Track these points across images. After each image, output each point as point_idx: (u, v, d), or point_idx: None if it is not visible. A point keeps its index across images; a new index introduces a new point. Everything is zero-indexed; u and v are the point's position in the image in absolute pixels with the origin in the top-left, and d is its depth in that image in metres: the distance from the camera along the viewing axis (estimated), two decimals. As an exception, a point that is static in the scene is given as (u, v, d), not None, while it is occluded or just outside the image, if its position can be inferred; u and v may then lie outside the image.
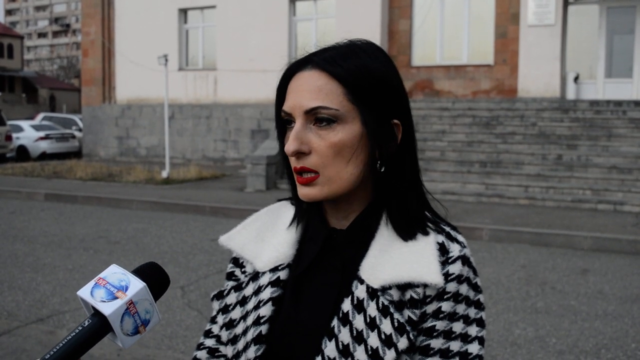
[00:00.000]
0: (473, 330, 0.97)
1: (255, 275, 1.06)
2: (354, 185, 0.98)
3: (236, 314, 1.05)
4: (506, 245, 7.57)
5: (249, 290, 1.06)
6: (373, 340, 0.93)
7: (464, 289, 0.96)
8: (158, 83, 15.86)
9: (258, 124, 16.34)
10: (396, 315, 0.93)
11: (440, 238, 0.99)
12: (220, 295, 1.10)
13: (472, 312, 0.97)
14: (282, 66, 1.03)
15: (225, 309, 1.07)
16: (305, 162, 0.96)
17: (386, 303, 0.94)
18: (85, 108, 19.42)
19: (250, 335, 1.01)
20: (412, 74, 15.24)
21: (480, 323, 0.98)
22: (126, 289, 0.82)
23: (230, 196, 10.81)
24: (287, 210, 1.12)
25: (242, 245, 1.10)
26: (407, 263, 0.96)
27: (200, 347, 1.11)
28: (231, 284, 1.10)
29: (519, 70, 14.06)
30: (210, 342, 1.10)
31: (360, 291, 0.96)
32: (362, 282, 0.97)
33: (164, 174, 13.04)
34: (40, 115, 26.25)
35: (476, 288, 0.99)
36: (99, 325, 0.81)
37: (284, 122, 1.01)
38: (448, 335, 0.95)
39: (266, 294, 1.03)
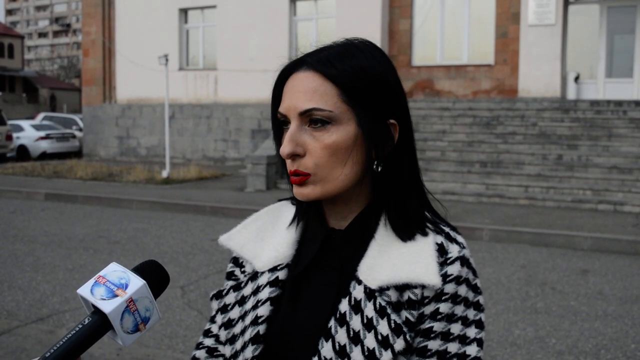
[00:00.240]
0: (472, 331, 0.96)
1: (254, 275, 1.06)
2: (349, 185, 0.97)
3: (235, 313, 1.05)
4: (506, 245, 7.57)
5: (247, 290, 1.06)
6: (370, 341, 0.93)
7: (462, 290, 0.95)
8: (158, 83, 15.87)
9: (258, 124, 16.34)
10: (393, 316, 0.93)
11: (439, 239, 0.98)
12: (219, 295, 1.09)
13: (471, 314, 0.97)
14: (278, 66, 1.02)
15: (224, 309, 1.07)
16: (300, 164, 0.96)
17: (383, 304, 0.94)
18: (85, 108, 19.43)
19: (248, 335, 1.01)
20: (413, 74, 15.24)
21: (480, 324, 0.97)
22: (126, 287, 0.82)
23: (231, 196, 10.82)
24: (287, 210, 1.12)
25: (242, 245, 1.10)
26: (405, 264, 0.95)
27: (199, 346, 1.11)
28: (230, 283, 1.10)
29: (520, 70, 14.06)
30: (209, 342, 1.10)
31: (357, 292, 0.96)
32: (359, 282, 0.96)
33: (164, 173, 13.04)
34: (41, 115, 26.25)
35: (476, 289, 0.98)
36: (99, 323, 0.81)
37: (280, 124, 1.01)
38: (446, 336, 0.94)
39: (264, 293, 1.03)
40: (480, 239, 7.89)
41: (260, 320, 1.01)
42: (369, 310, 0.94)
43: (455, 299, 0.95)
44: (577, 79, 14.28)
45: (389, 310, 0.93)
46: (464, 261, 0.96)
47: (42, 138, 20.48)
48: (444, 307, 0.94)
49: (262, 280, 1.04)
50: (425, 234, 0.99)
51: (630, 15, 14.21)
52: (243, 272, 1.10)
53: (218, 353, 1.08)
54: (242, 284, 1.07)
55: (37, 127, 21.21)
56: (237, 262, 1.12)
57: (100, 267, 5.97)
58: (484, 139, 12.39)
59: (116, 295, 0.81)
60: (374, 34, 14.66)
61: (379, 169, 0.99)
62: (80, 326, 0.81)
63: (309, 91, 0.94)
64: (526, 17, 13.84)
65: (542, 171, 10.95)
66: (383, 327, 0.93)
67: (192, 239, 7.76)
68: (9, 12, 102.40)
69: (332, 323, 0.96)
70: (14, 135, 20.04)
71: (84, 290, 0.82)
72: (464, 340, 0.95)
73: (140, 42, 17.91)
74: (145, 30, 17.90)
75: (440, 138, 12.68)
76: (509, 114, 13.08)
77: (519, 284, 5.79)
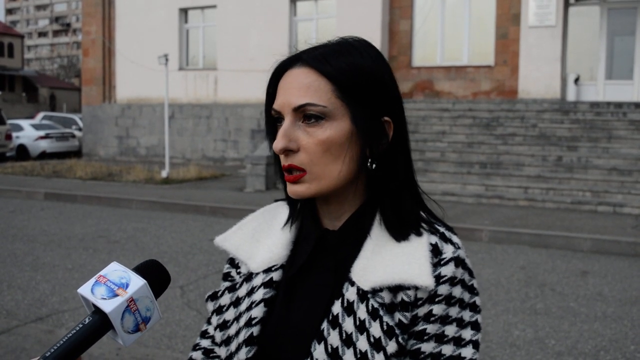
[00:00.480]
0: (467, 333, 0.95)
1: (249, 276, 1.05)
2: (343, 183, 0.97)
3: (230, 315, 1.05)
4: (506, 246, 7.57)
5: (242, 291, 1.05)
6: (362, 343, 0.92)
7: (457, 291, 0.94)
8: (158, 83, 15.86)
9: (258, 124, 16.33)
10: (386, 318, 0.92)
11: (434, 239, 0.97)
12: (214, 297, 1.09)
13: (466, 315, 0.95)
14: (273, 64, 1.02)
15: (219, 310, 1.07)
16: (294, 159, 0.95)
17: (376, 305, 0.92)
18: (85, 107, 19.43)
19: (242, 336, 1.00)
20: (413, 75, 15.25)
21: (475, 326, 0.96)
22: (127, 287, 0.82)
23: (230, 196, 10.81)
24: (283, 211, 1.11)
25: (237, 246, 1.09)
26: (398, 265, 0.94)
27: (195, 347, 1.10)
28: (226, 284, 1.09)
29: (520, 72, 14.06)
30: (205, 343, 1.10)
31: (350, 293, 0.95)
32: (352, 284, 0.95)
33: (164, 173, 13.04)
34: (40, 115, 26.26)
35: (472, 290, 0.96)
36: (100, 323, 0.81)
37: (274, 121, 1.01)
38: (440, 338, 0.93)
39: (259, 295, 1.02)
40: (480, 240, 7.89)
41: (254, 322, 1.00)
42: (362, 312, 0.93)
43: (449, 300, 0.93)
44: (577, 80, 14.28)
45: (381, 312, 0.92)
46: (458, 262, 0.95)
47: (42, 137, 20.47)
48: (438, 309, 0.93)
49: (257, 281, 1.04)
50: (419, 234, 0.97)
51: (630, 16, 14.21)
52: (239, 273, 1.10)
53: (214, 354, 1.08)
54: (237, 285, 1.07)
55: (37, 127, 21.21)
56: (233, 262, 1.12)
57: (99, 266, 5.96)
58: (483, 140, 12.39)
59: (117, 295, 0.81)
60: (374, 34, 14.67)
61: (373, 167, 0.98)
62: (81, 326, 0.81)
63: (303, 87, 0.94)
64: (526, 18, 13.84)
65: (542, 172, 10.95)
66: (375, 330, 0.91)
67: (192, 238, 7.75)
68: (9, 11, 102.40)
69: (324, 325, 0.95)
70: (14, 134, 20.03)
71: (84, 290, 0.82)
72: (459, 342, 0.94)
73: (140, 41, 17.91)
74: (145, 29, 17.90)
75: (440, 139, 12.68)
76: (508, 115, 13.08)
77: (518, 285, 5.79)
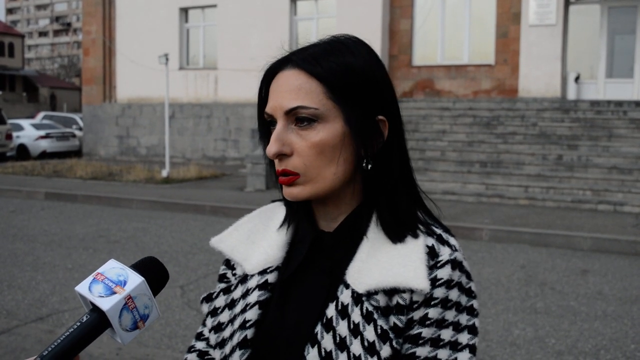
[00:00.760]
0: (464, 337, 0.92)
1: (244, 278, 1.04)
2: (339, 185, 0.95)
3: (224, 317, 1.03)
4: (506, 245, 7.56)
5: (237, 293, 1.04)
6: (356, 347, 0.90)
7: (454, 294, 0.92)
8: (159, 82, 15.87)
9: (258, 124, 16.32)
10: (380, 322, 0.90)
11: (431, 241, 0.95)
12: (209, 298, 1.08)
13: (463, 319, 0.93)
14: (263, 66, 1.00)
15: (214, 312, 1.05)
16: (288, 164, 0.94)
17: (370, 309, 0.91)
18: (85, 107, 19.43)
19: (236, 339, 0.99)
20: (413, 74, 15.24)
21: (472, 330, 0.94)
22: (124, 284, 0.81)
23: (230, 195, 10.81)
24: (280, 212, 1.10)
25: (233, 248, 1.08)
26: (393, 267, 0.92)
27: (190, 349, 1.10)
28: (222, 286, 1.08)
29: (520, 70, 14.05)
30: (200, 345, 1.09)
31: (345, 296, 0.93)
32: (347, 286, 0.94)
33: (164, 173, 13.04)
34: (41, 114, 26.26)
35: (469, 293, 0.94)
36: (98, 321, 0.80)
37: (267, 124, 0.99)
38: (436, 343, 0.91)
39: (253, 297, 1.01)
40: (480, 239, 7.89)
41: (248, 325, 0.99)
42: (356, 315, 0.91)
43: (445, 303, 0.92)
44: (577, 79, 14.27)
45: (375, 316, 0.91)
46: (455, 264, 0.93)
47: (42, 137, 20.46)
48: (434, 313, 0.91)
49: (252, 283, 1.02)
50: (416, 236, 0.96)
51: (630, 15, 14.20)
52: (234, 274, 1.08)
53: (209, 357, 1.07)
54: (232, 287, 1.05)
55: (37, 126, 21.20)
56: (229, 264, 1.11)
57: (100, 266, 5.94)
58: (484, 139, 12.38)
59: (114, 293, 0.80)
60: (375, 33, 14.68)
61: (369, 167, 0.96)
62: (78, 324, 0.80)
63: (294, 89, 0.93)
64: (527, 17, 13.84)
65: (542, 171, 10.95)
66: (369, 333, 0.90)
67: (192, 238, 7.75)
68: (10, 11, 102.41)
69: (318, 328, 0.94)
70: (14, 134, 20.03)
71: (82, 288, 0.82)
72: (455, 346, 0.92)
73: (140, 41, 17.90)
74: (145, 29, 17.90)
75: (440, 138, 12.68)
76: (509, 114, 13.08)
77: (518, 284, 5.79)
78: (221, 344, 1.02)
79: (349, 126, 0.94)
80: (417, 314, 0.91)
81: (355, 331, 0.91)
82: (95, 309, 0.81)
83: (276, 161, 0.96)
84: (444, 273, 0.92)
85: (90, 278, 0.83)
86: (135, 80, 18.12)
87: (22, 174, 14.18)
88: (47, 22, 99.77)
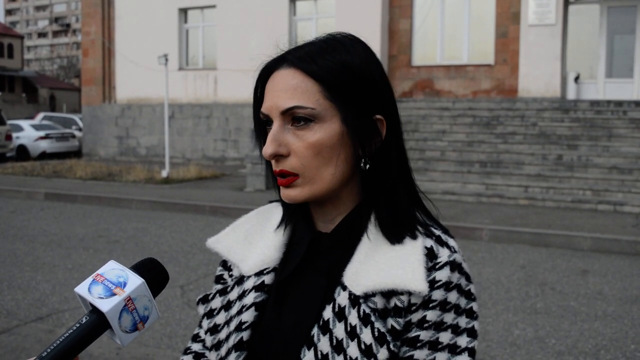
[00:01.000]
0: (463, 340, 0.91)
1: (241, 279, 1.03)
2: (337, 185, 0.94)
3: (220, 318, 1.02)
4: (506, 245, 7.56)
5: (233, 294, 1.02)
6: (352, 350, 0.89)
7: (452, 296, 0.90)
8: (158, 83, 15.85)
9: (258, 124, 16.32)
10: (377, 325, 0.89)
11: (429, 242, 0.94)
12: (205, 300, 1.07)
13: (462, 322, 0.91)
14: (259, 66, 0.99)
15: (210, 314, 1.04)
16: (285, 164, 0.93)
17: (367, 311, 0.89)
18: (85, 108, 19.42)
19: (232, 341, 0.98)
20: (413, 74, 15.24)
21: (472, 333, 0.92)
22: (124, 285, 0.81)
23: (230, 196, 10.81)
24: (277, 212, 1.08)
25: (229, 248, 1.06)
26: (391, 269, 0.91)
27: (187, 351, 1.09)
28: (218, 287, 1.07)
29: (520, 70, 14.05)
30: (196, 347, 1.08)
31: (342, 298, 0.92)
32: (345, 288, 0.92)
33: (164, 173, 13.04)
34: (40, 115, 26.25)
35: (469, 295, 0.93)
36: (97, 322, 0.80)
37: (263, 124, 0.98)
38: (434, 345, 0.89)
39: (250, 298, 0.99)
40: (480, 239, 7.89)
41: (244, 326, 0.98)
42: (353, 317, 0.90)
43: (444, 306, 0.90)
44: (577, 79, 14.27)
45: (372, 318, 0.89)
46: (454, 266, 0.91)
47: (42, 138, 20.47)
48: (432, 315, 0.89)
49: (248, 284, 1.01)
50: (414, 237, 0.94)
51: (630, 15, 14.20)
52: (231, 275, 1.07)
53: (205, 359, 1.06)
54: (229, 288, 1.04)
55: (37, 127, 21.21)
56: (225, 265, 1.10)
57: (99, 266, 5.92)
58: (483, 139, 12.38)
59: (114, 294, 0.80)
60: (374, 33, 14.68)
61: (367, 167, 0.95)
62: (78, 325, 0.80)
63: (290, 89, 0.91)
64: (526, 17, 13.84)
65: (542, 171, 10.94)
66: (366, 336, 0.88)
67: (192, 238, 7.75)
68: (9, 12, 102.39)
69: (315, 330, 0.92)
70: (14, 135, 20.03)
71: (81, 289, 0.81)
72: (454, 349, 0.90)
73: (139, 42, 17.90)
74: (144, 30, 17.89)
75: (440, 138, 12.67)
76: (508, 114, 13.08)
77: (518, 284, 5.78)
78: (217, 346, 1.01)
79: (346, 126, 0.92)
80: (415, 317, 0.90)
81: (352, 334, 0.90)
82: (94, 310, 0.81)
83: (273, 162, 0.95)
84: (442, 275, 0.90)
85: (89, 279, 0.82)
86: (134, 80, 18.11)
87: (21, 175, 14.18)
88: (47, 23, 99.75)
